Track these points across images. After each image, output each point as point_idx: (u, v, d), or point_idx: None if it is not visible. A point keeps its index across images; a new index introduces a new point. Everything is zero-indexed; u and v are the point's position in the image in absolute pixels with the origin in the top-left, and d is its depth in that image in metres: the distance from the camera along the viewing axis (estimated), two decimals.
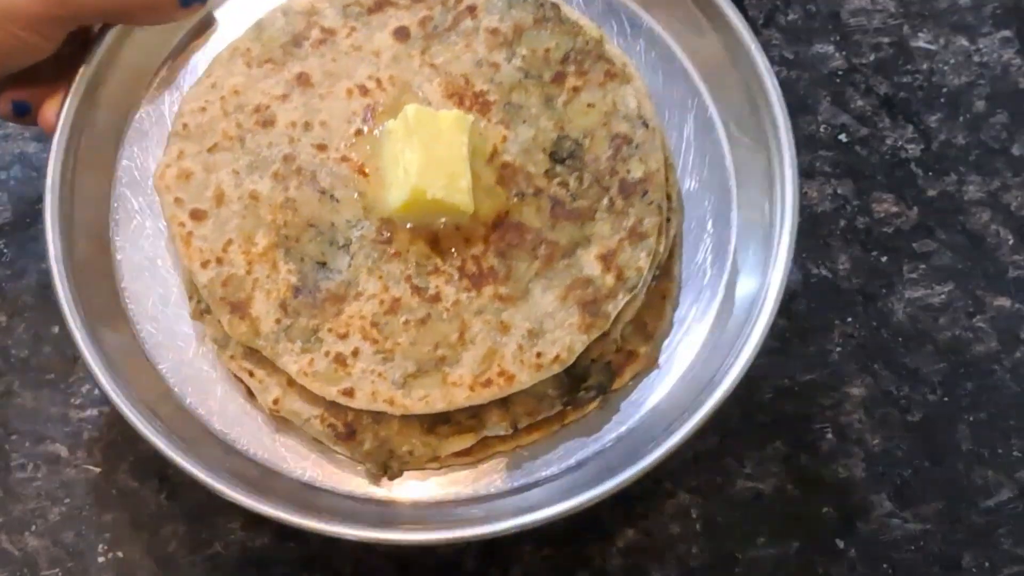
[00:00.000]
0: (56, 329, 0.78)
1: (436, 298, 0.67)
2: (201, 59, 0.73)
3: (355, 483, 0.68)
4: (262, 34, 0.71)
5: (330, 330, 0.66)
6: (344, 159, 0.69)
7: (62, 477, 0.75)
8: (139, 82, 0.73)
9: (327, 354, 0.65)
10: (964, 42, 0.91)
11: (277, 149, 0.69)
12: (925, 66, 0.89)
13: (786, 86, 0.84)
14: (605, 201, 0.68)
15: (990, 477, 0.77)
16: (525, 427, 0.67)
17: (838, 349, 0.80)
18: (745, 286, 0.70)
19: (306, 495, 0.67)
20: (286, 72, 0.71)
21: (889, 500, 0.76)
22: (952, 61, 0.90)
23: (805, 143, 0.86)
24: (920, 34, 0.90)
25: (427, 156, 0.65)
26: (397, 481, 0.67)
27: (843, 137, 0.87)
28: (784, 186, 0.69)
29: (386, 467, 0.66)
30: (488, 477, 0.68)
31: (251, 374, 0.67)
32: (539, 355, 0.65)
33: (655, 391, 0.70)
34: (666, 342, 0.71)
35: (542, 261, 0.67)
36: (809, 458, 0.77)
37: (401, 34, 0.72)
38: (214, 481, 0.63)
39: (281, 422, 0.68)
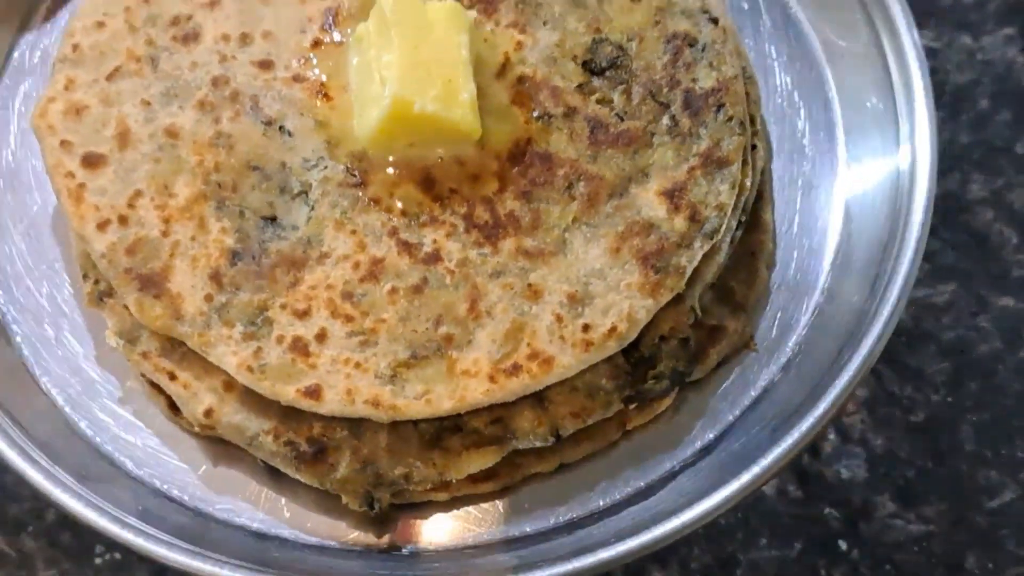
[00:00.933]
0: None
1: (434, 257, 0.53)
2: None
3: (333, 528, 0.54)
4: None
5: (284, 307, 0.52)
6: (297, 79, 0.56)
7: None
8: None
9: (280, 340, 0.51)
10: (967, 40, 0.90)
11: (204, 70, 0.57)
12: (928, 64, 0.83)
13: None
14: (665, 120, 0.57)
15: (994, 478, 0.76)
16: (571, 436, 0.54)
17: None
18: (864, 237, 0.61)
19: (260, 550, 0.53)
20: None
21: (892, 501, 0.75)
22: (955, 59, 0.89)
23: None
24: (923, 32, 0.88)
25: (412, 58, 0.53)
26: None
27: None
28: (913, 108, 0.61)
29: (371, 500, 0.52)
30: (521, 512, 0.55)
31: (172, 377, 0.53)
32: (586, 328, 0.52)
33: (755, 382, 0.58)
34: (763, 314, 0.60)
35: (582, 203, 0.55)
36: (811, 459, 0.76)
37: None
38: (127, 534, 0.50)
39: (220, 446, 0.55)
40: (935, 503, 0.76)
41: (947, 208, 0.85)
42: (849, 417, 0.78)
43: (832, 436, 0.77)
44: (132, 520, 0.51)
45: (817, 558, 0.74)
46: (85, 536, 0.71)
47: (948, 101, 0.89)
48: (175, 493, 0.54)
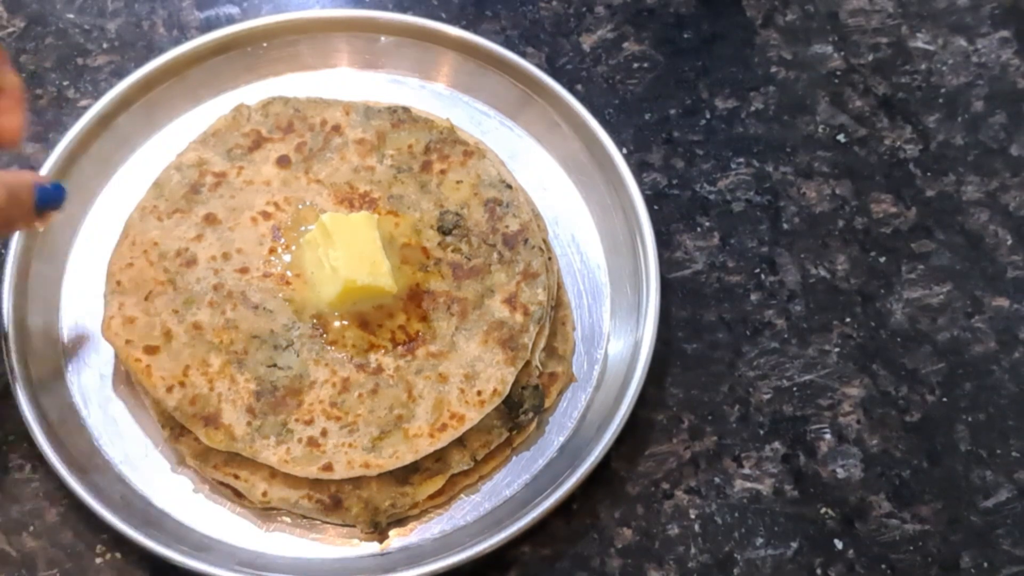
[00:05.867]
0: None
1: (379, 369, 0.76)
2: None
3: (350, 550, 0.75)
4: (163, 191, 0.81)
5: (296, 420, 0.74)
6: (266, 275, 0.78)
7: (60, 478, 0.73)
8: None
9: (300, 440, 0.73)
10: (962, 42, 0.93)
11: (206, 282, 0.78)
12: (923, 66, 0.92)
13: (784, 86, 0.92)
14: (495, 255, 0.80)
15: (989, 477, 0.77)
16: (483, 459, 0.76)
17: (836, 350, 0.81)
18: (623, 306, 0.83)
19: (306, 568, 0.74)
20: (194, 216, 0.80)
21: (888, 500, 0.76)
22: (950, 61, 0.92)
23: (803, 143, 0.89)
24: (918, 34, 0.93)
25: (349, 252, 0.75)
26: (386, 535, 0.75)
27: (841, 137, 0.90)
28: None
29: (375, 524, 0.73)
30: (462, 511, 0.76)
31: (236, 477, 0.74)
32: (479, 393, 0.75)
33: (580, 400, 0.80)
34: (575, 357, 0.81)
35: (458, 316, 0.78)
36: (807, 459, 0.78)
37: (283, 162, 0.82)
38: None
39: (268, 514, 0.75)
40: (930, 503, 0.76)
41: (942, 209, 0.85)
42: (845, 417, 0.78)
43: (828, 436, 0.78)
44: (236, 568, 0.70)
45: (813, 557, 0.74)
46: (86, 536, 0.73)
47: (943, 103, 0.90)
48: (242, 544, 0.73)
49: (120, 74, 0.89)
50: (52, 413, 0.76)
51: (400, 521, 0.75)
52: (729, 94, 0.92)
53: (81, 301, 0.81)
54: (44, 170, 0.81)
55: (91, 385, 0.78)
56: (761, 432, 0.79)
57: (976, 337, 0.82)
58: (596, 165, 0.85)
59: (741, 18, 0.95)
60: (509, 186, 0.82)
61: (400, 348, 0.76)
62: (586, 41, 0.94)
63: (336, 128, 0.84)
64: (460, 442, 0.75)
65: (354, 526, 0.74)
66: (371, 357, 0.76)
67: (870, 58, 0.93)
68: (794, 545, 0.75)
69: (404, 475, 0.74)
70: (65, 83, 0.90)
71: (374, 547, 0.75)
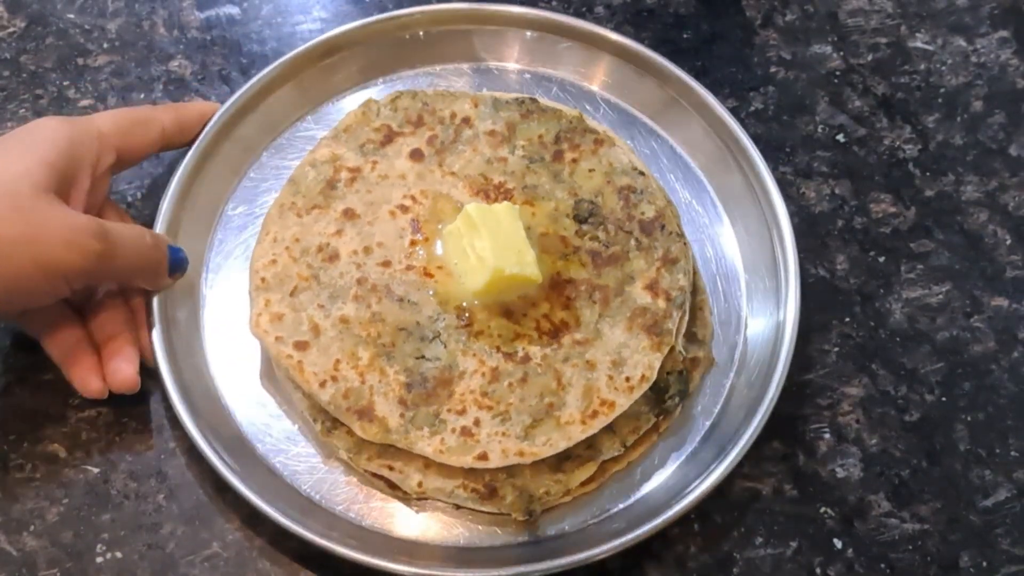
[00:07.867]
0: None
1: (527, 358, 0.76)
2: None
3: (502, 537, 0.75)
4: (299, 187, 0.81)
5: (449, 410, 0.74)
6: (409, 268, 0.79)
7: (60, 477, 0.74)
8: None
9: (454, 431, 0.73)
10: (962, 42, 0.93)
11: (349, 276, 0.78)
12: (923, 66, 0.93)
13: (784, 86, 0.93)
14: (632, 242, 0.80)
15: (988, 477, 0.77)
16: (632, 444, 0.76)
17: (836, 349, 0.82)
18: (759, 289, 0.84)
19: (464, 556, 0.74)
20: (332, 212, 0.80)
21: (887, 500, 0.76)
22: (950, 61, 0.93)
23: (803, 143, 0.90)
24: (918, 34, 0.94)
25: (496, 242, 0.76)
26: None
27: (841, 137, 0.90)
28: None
29: (530, 512, 0.73)
30: (612, 498, 0.76)
31: (390, 468, 0.74)
32: (627, 379, 0.75)
33: (724, 384, 0.80)
34: (714, 341, 0.81)
35: (601, 304, 0.78)
36: (807, 458, 0.78)
37: (416, 155, 0.83)
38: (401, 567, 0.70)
39: (419, 504, 0.75)
40: (930, 502, 0.76)
41: (941, 209, 0.86)
42: (844, 417, 0.78)
43: (828, 436, 0.78)
44: (399, 558, 0.70)
45: (813, 557, 0.74)
46: (86, 535, 0.73)
47: (942, 103, 0.90)
48: (396, 532, 0.74)
49: (120, 74, 0.91)
50: (201, 406, 0.76)
51: (551, 508, 0.75)
52: (728, 94, 0.92)
53: (222, 295, 0.82)
54: (190, 154, 0.82)
55: (236, 380, 0.79)
56: (761, 431, 0.77)
57: (975, 337, 0.82)
58: (729, 156, 0.86)
59: (740, 18, 0.96)
60: (642, 173, 0.82)
61: (545, 337, 0.77)
62: None
63: (466, 120, 0.84)
64: (610, 428, 0.75)
65: (509, 514, 0.74)
66: (517, 346, 0.76)
67: (869, 58, 0.94)
68: (793, 544, 0.75)
69: (556, 463, 0.74)
70: (66, 83, 0.91)
71: (523, 535, 0.75)
